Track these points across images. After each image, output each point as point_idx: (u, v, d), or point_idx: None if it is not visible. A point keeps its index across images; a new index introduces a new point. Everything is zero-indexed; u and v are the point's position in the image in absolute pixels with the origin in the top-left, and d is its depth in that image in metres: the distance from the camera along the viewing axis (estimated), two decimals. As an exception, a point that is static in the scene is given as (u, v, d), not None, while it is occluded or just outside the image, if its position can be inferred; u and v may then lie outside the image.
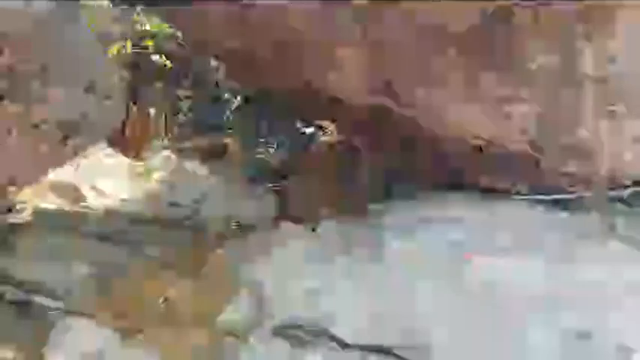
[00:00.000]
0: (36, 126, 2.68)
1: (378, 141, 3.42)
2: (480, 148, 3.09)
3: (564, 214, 3.08)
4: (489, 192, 3.18)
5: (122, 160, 4.02)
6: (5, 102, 2.42)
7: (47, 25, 2.55)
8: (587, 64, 2.88)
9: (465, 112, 3.02)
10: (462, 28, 2.85)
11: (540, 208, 3.12)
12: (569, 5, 2.79)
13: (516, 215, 3.08)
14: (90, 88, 3.01)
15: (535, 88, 2.94)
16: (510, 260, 2.76)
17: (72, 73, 2.83)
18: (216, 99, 4.61)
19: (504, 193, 3.17)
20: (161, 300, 2.80)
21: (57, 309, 2.76)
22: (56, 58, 2.59)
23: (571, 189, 3.10)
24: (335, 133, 4.08)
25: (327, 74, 3.09)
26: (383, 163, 3.45)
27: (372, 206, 3.30)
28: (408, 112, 3.09)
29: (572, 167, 3.05)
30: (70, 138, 2.94)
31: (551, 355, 2.43)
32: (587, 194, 3.07)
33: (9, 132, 2.54)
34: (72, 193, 3.58)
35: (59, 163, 3.14)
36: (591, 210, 3.04)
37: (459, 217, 3.06)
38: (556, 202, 3.11)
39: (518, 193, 3.17)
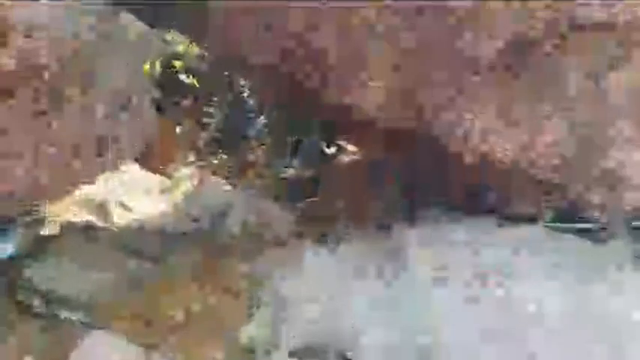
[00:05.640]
0: (70, 139, 2.76)
1: (402, 160, 3.45)
2: (507, 172, 3.06)
3: (589, 242, 3.05)
4: (514, 216, 3.16)
5: (148, 176, 4.10)
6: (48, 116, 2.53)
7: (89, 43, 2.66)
8: (621, 87, 2.89)
9: (494, 136, 3.01)
10: (493, 50, 2.87)
11: (565, 235, 3.09)
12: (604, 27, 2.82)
13: (540, 241, 3.06)
14: (124, 104, 3.08)
15: (566, 113, 2.94)
16: (530, 285, 2.75)
17: (107, 90, 2.91)
18: (242, 116, 4.69)
19: (529, 219, 3.15)
20: (182, 312, 2.86)
21: (82, 322, 2.82)
22: (93, 75, 2.69)
23: (597, 217, 3.06)
24: (358, 152, 4.13)
25: (354, 92, 3.11)
26: (407, 182, 3.46)
27: (394, 225, 3.30)
28: (434, 131, 3.09)
29: (600, 195, 3.02)
30: (102, 154, 3.01)
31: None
32: (613, 223, 3.04)
33: (45, 144, 2.62)
34: (100, 209, 3.66)
35: (90, 177, 3.21)
36: (616, 239, 3.02)
37: (482, 240, 3.05)
38: (582, 230, 3.08)
39: (543, 220, 3.14)
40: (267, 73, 3.23)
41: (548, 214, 3.15)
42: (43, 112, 2.57)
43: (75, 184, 3.00)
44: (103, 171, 3.17)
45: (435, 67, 2.95)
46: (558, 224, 3.12)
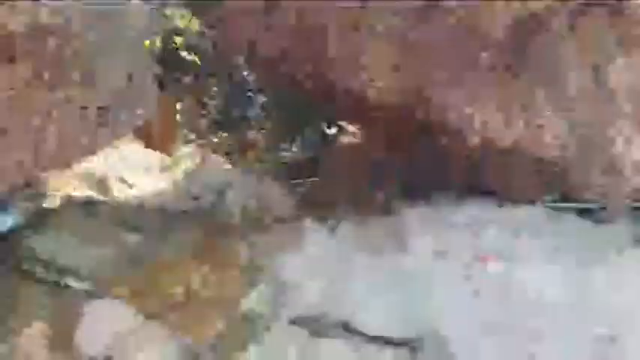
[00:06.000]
0: (72, 113, 2.76)
1: (403, 143, 3.43)
2: (508, 155, 3.08)
3: (589, 223, 3.08)
4: (515, 198, 3.18)
5: (149, 153, 4.12)
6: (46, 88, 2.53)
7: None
8: (622, 76, 2.91)
9: (494, 118, 3.03)
10: (497, 35, 2.88)
11: (565, 215, 3.12)
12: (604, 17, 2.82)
13: (540, 223, 3.08)
14: (125, 81, 3.06)
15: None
16: (529, 265, 2.80)
17: (109, 65, 2.89)
18: (242, 95, 4.68)
19: (531, 200, 3.17)
20: (182, 290, 2.88)
21: (84, 290, 2.86)
22: (98, 49, 2.68)
23: (598, 199, 3.09)
24: (358, 133, 4.12)
25: (355, 75, 3.10)
26: (407, 164, 3.45)
27: (394, 206, 3.33)
28: (436, 116, 3.09)
29: (601, 178, 3.05)
30: (103, 127, 3.01)
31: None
32: (613, 205, 3.07)
33: (48, 118, 2.62)
34: (100, 184, 3.69)
35: (91, 152, 3.22)
36: (616, 220, 3.05)
37: (482, 220, 3.09)
38: (582, 212, 3.11)
39: (544, 201, 3.17)
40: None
41: (551, 196, 3.18)
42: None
43: (76, 157, 3.02)
44: (104, 145, 3.16)
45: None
46: (559, 204, 3.14)
